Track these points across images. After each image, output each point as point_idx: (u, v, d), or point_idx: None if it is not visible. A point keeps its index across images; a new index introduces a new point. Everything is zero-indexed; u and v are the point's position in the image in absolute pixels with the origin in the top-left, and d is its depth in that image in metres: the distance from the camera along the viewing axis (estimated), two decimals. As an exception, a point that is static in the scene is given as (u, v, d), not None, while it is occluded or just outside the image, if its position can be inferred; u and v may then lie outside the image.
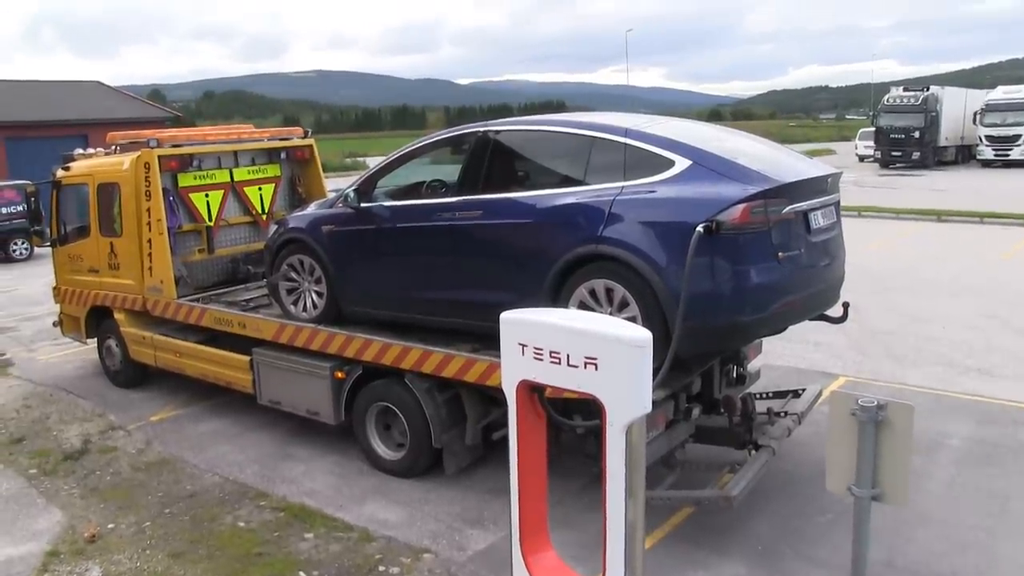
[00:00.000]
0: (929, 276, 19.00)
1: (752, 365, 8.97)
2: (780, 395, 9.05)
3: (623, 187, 7.03)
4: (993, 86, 51.60)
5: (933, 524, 7.65)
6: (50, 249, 13.89)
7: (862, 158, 50.78)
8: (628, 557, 4.83)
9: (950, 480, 8.64)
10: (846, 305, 8.26)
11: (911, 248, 23.26)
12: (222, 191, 12.08)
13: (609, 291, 7.01)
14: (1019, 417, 10.34)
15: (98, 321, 12.97)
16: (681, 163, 6.89)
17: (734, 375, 8.68)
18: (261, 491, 8.75)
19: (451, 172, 8.82)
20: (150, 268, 11.44)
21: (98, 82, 49.19)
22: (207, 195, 11.89)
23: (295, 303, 9.70)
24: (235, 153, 12.28)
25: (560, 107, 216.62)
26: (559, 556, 5.69)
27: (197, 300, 11.36)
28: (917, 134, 46.86)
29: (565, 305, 7.11)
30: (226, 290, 11.94)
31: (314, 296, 9.47)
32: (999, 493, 8.31)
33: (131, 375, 12.65)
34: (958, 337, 13.89)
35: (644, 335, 4.49)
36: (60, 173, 13.10)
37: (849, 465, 4.51)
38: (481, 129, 8.26)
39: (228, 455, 9.93)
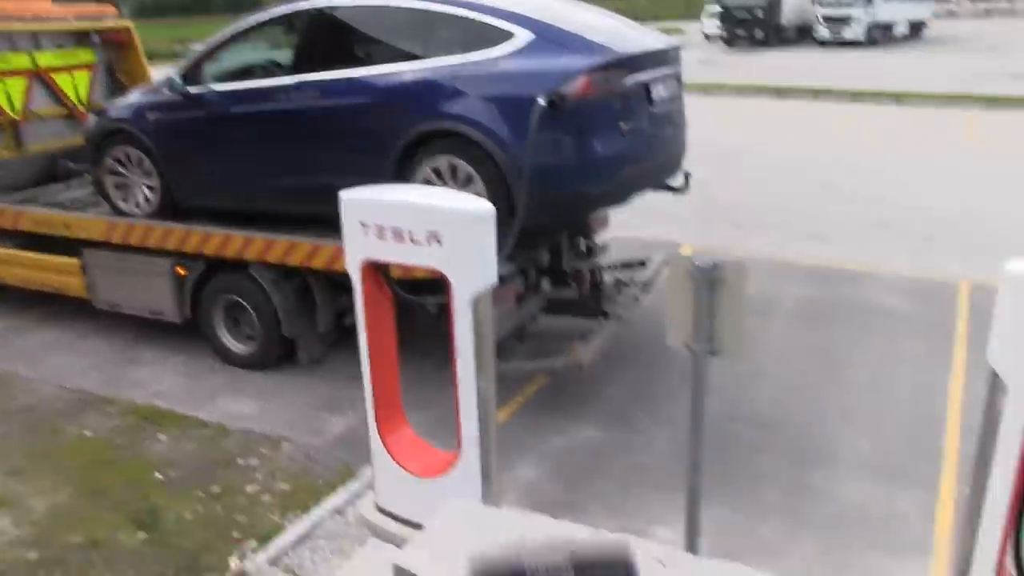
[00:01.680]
0: (769, 150, 19.68)
1: (599, 238, 9.12)
2: (627, 266, 9.26)
3: (463, 61, 6.89)
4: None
5: (768, 378, 8.18)
6: None
7: (708, 37, 51.49)
8: (482, 429, 4.91)
9: (783, 337, 9.21)
10: (687, 175, 8.45)
11: (753, 123, 23.95)
12: (24, 79, 10.80)
13: (453, 168, 6.92)
14: (843, 277, 11.10)
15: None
16: (522, 35, 6.78)
17: (582, 248, 8.80)
18: (106, 397, 8.37)
19: (285, 54, 8.44)
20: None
21: None
22: (4, 83, 10.59)
23: (125, 199, 9.14)
24: (34, 35, 10.89)
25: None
26: (417, 434, 5.75)
27: (10, 202, 10.44)
28: (761, 13, 47.97)
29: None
30: (44, 188, 11.04)
31: (145, 190, 8.95)
32: (825, 347, 9.00)
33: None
34: (795, 206, 14.53)
35: (486, 207, 4.46)
36: None
37: (687, 322, 4.66)
38: (314, 5, 7.88)
39: (66, 364, 9.36)
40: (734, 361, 5.79)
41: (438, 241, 4.46)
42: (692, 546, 5.06)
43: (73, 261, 9.66)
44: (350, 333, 8.24)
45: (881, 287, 10.63)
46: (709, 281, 4.48)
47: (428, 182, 6.98)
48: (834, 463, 6.80)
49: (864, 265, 11.45)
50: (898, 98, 27.11)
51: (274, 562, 5.64)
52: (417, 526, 4.44)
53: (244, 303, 8.52)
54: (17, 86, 10.76)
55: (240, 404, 8.14)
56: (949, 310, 9.70)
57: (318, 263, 7.80)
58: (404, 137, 7.02)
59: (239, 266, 8.38)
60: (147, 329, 9.88)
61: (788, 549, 5.80)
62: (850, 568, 5.64)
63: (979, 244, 12.10)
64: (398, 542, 5.09)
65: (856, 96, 27.78)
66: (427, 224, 4.46)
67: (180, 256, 8.77)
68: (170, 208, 8.85)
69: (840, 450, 6.98)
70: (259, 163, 8.10)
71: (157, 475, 6.86)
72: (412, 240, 4.56)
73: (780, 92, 29.43)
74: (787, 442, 7.08)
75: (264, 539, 5.93)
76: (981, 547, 3.85)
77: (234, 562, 5.33)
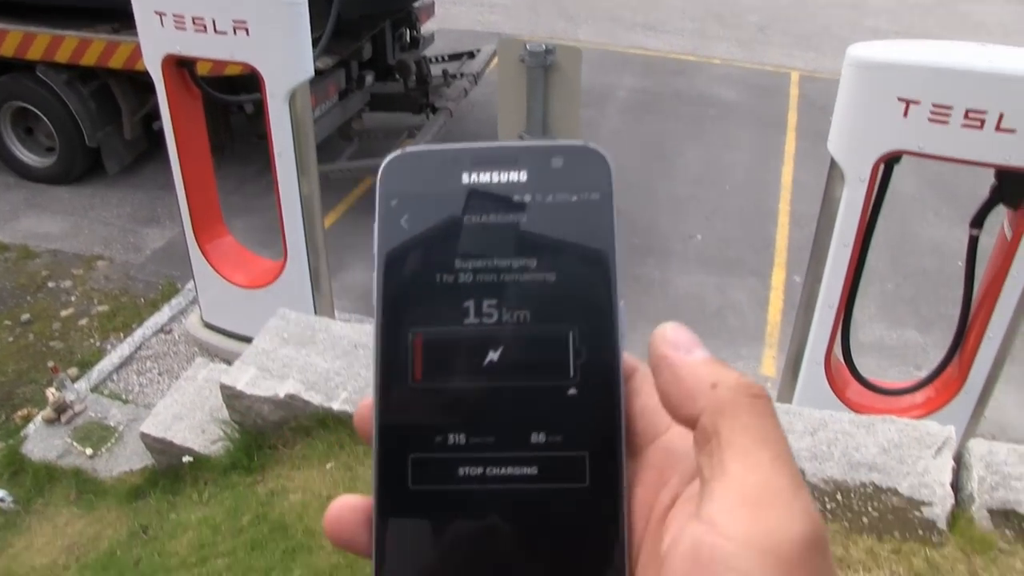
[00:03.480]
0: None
1: (425, 28, 8.63)
2: (455, 57, 8.86)
3: None
4: None
5: (604, 170, 8.11)
6: None
7: None
8: (308, 234, 4.64)
9: (617, 128, 9.13)
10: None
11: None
12: None
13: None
14: (676, 68, 11.01)
15: None
16: None
17: (407, 39, 8.32)
18: None
19: None
20: None
21: None
22: None
23: None
24: None
25: None
26: (239, 242, 5.43)
27: None
28: None
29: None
30: None
31: None
32: (659, 139, 8.94)
33: None
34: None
35: (296, -11, 4.03)
36: None
37: (519, 112, 4.44)
38: None
39: None
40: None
41: (246, 31, 4.02)
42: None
43: None
44: (161, 139, 7.63)
45: (714, 78, 10.63)
46: (542, 67, 4.23)
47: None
48: (669, 255, 6.89)
49: (698, 56, 11.40)
50: None
51: (97, 389, 5.31)
52: (247, 339, 4.22)
53: (36, 110, 7.65)
54: None
55: (45, 223, 7.47)
56: (781, 100, 9.83)
57: (117, 63, 7.03)
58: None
59: (23, 67, 7.46)
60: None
61: (627, 343, 5.89)
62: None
63: (810, 35, 12.25)
64: (228, 357, 4.87)
65: None
66: (232, 12, 4.00)
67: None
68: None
69: (674, 242, 7.07)
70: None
71: (-44, 305, 6.31)
72: (217, 30, 4.09)
73: None
74: (624, 235, 7.10)
75: (84, 365, 5.58)
76: (813, 335, 3.95)
77: (52, 393, 4.96)
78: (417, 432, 0.47)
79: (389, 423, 0.47)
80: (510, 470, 0.46)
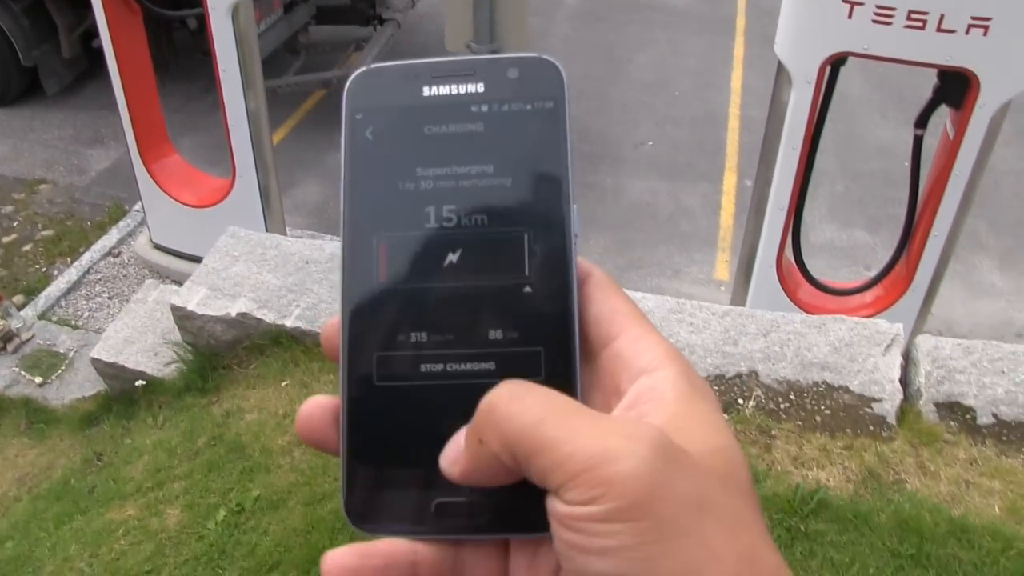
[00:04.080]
0: None
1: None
2: (401, -34, 8.62)
3: None
4: None
5: (554, 79, 8.01)
6: None
7: None
8: (256, 150, 4.56)
9: (567, 36, 9.00)
10: None
11: None
12: None
13: None
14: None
15: None
16: None
17: (351, -52, 8.08)
18: None
19: None
20: None
21: None
22: None
23: None
24: None
25: None
26: (187, 161, 5.33)
27: None
28: None
29: None
30: None
31: None
32: (607, 44, 8.85)
33: None
34: None
35: None
36: None
37: (466, 21, 4.34)
38: None
39: None
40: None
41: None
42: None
43: None
44: (102, 57, 7.40)
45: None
46: (489, -27, 4.13)
47: None
48: (621, 162, 6.88)
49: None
50: None
51: (45, 315, 5.23)
52: (197, 259, 4.16)
53: (-36, 28, 7.36)
54: None
55: (-18, 146, 7.28)
56: (729, 5, 9.71)
57: (48, -24, 6.78)
58: None
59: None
60: None
61: (580, 250, 5.89)
62: (643, 265, 5.83)
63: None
64: (178, 278, 4.81)
65: None
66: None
67: None
68: None
69: (626, 149, 7.06)
70: None
71: None
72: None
73: None
74: (575, 143, 7.05)
75: (30, 292, 5.49)
76: (764, 238, 3.98)
77: (-2, 321, 4.89)
78: (381, 331, 0.49)
79: (355, 324, 0.50)
80: (469, 366, 0.48)
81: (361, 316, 0.50)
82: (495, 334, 0.48)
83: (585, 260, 0.51)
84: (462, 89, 0.51)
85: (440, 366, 0.48)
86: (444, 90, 0.52)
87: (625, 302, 0.49)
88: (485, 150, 0.51)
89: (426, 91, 0.52)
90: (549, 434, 0.40)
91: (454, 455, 0.45)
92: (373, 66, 0.53)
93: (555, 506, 0.40)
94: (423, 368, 0.48)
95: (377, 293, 0.50)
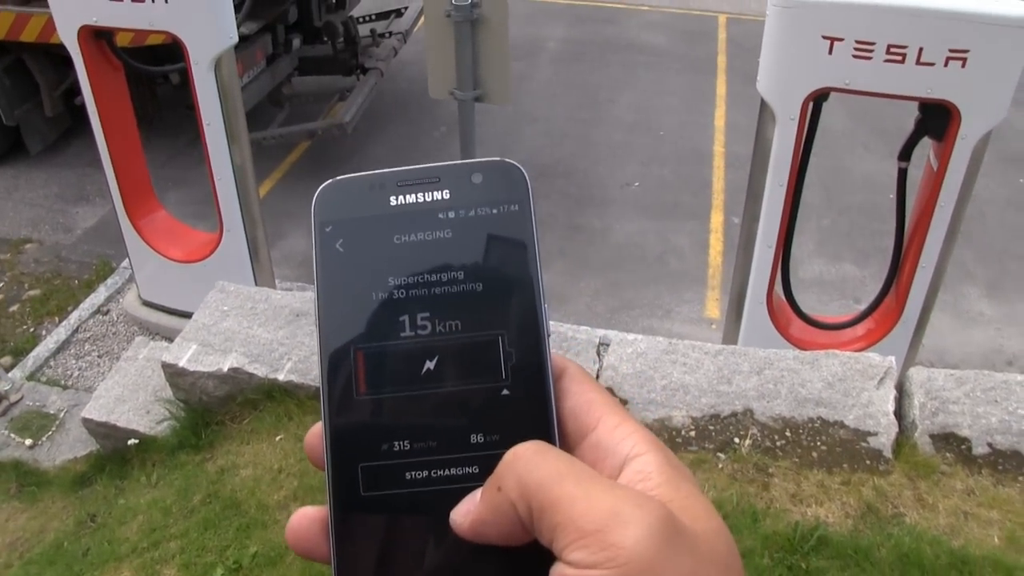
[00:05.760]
0: None
1: (350, -13, 8.46)
2: (383, 16, 8.71)
3: None
4: None
5: (538, 122, 8.10)
6: None
7: None
8: (243, 204, 4.56)
9: (549, 79, 9.08)
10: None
11: None
12: None
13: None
14: (605, 16, 10.95)
15: None
16: None
17: (332, 0, 8.16)
18: None
19: None
20: None
21: None
22: None
23: None
24: None
25: None
26: (174, 216, 5.32)
27: None
28: None
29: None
30: None
31: None
32: (590, 86, 8.94)
33: None
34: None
35: (211, -48, 3.92)
36: None
37: (449, 68, 4.36)
38: None
39: None
40: (501, 107, 5.61)
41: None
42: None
43: None
44: (86, 114, 7.41)
45: (644, 25, 10.61)
46: (469, 21, 4.16)
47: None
48: (608, 203, 6.91)
49: (626, 3, 11.33)
50: None
51: (34, 376, 5.18)
52: (187, 315, 4.14)
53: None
54: None
55: (-33, 207, 7.26)
56: (710, 44, 9.84)
57: (30, 36, 6.79)
58: None
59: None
60: None
61: (571, 294, 5.91)
62: (634, 306, 5.83)
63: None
64: (169, 334, 4.79)
65: None
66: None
67: None
68: None
69: (612, 190, 7.09)
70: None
71: None
72: (133, -2, 3.97)
73: None
74: (562, 186, 7.11)
75: (18, 353, 5.45)
76: (754, 275, 3.99)
77: (-14, 382, 4.85)
78: (365, 442, 0.50)
79: (338, 436, 0.50)
80: (453, 471, 0.49)
81: (343, 428, 0.50)
82: (477, 438, 0.49)
83: (559, 355, 0.51)
84: (428, 197, 0.53)
85: (425, 473, 0.49)
86: (411, 198, 0.53)
87: (600, 392, 0.51)
88: (455, 256, 0.52)
89: (393, 200, 0.53)
90: (567, 490, 0.42)
91: (468, 507, 0.46)
92: (339, 178, 0.55)
93: (561, 571, 0.41)
94: (408, 476, 0.49)
95: (357, 404, 0.50)
